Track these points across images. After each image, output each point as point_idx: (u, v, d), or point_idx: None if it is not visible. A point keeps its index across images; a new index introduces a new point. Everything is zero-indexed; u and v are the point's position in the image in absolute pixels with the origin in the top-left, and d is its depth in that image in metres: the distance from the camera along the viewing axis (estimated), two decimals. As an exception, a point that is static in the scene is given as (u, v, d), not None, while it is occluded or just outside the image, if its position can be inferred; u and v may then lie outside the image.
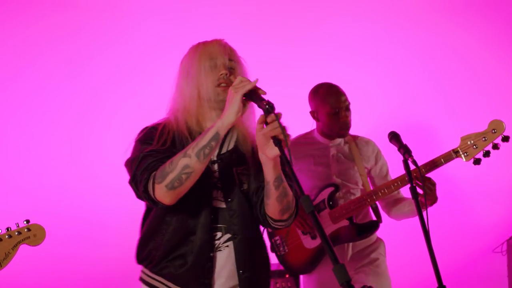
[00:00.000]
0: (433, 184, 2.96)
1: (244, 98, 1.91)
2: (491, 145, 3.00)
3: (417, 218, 2.50)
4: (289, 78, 4.17)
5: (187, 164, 1.94)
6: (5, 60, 3.86)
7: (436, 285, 2.38)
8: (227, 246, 2.12)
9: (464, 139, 3.04)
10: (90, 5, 4.02)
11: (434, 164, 3.04)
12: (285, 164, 1.83)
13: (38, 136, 3.90)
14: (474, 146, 3.00)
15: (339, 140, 3.33)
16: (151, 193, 1.99)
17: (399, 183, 3.11)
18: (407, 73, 4.47)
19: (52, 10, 3.93)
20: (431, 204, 2.95)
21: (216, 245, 2.11)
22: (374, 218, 3.29)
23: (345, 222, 3.19)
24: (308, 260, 3.22)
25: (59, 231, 3.82)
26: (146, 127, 2.19)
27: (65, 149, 3.94)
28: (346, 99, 3.25)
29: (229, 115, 1.92)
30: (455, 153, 3.04)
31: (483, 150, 3.00)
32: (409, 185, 2.63)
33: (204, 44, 2.16)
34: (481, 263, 4.46)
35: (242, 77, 1.95)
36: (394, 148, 2.81)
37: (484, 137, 2.99)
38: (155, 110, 3.90)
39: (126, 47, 4.04)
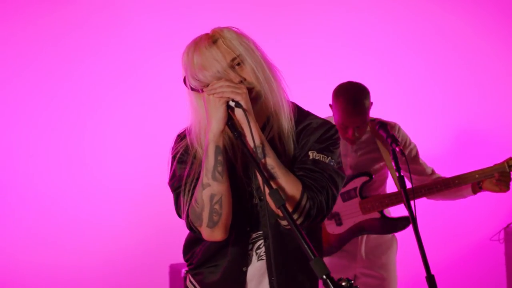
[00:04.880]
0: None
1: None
2: None
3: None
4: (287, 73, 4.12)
5: (212, 194, 1.79)
6: (5, 57, 3.83)
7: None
8: None
9: None
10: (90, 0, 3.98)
11: (484, 174, 3.02)
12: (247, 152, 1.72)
13: (37, 134, 3.87)
14: None
15: None
16: (200, 236, 1.87)
17: (438, 186, 3.06)
18: (405, 65, 4.43)
19: (51, 7, 3.89)
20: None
21: (252, 255, 1.95)
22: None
23: (376, 214, 3.14)
24: (327, 245, 3.16)
25: (57, 228, 3.84)
26: (184, 131, 1.96)
27: (65, 145, 3.91)
28: (363, 116, 3.02)
29: (217, 124, 1.77)
30: (509, 167, 3.01)
31: None
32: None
33: (188, 57, 1.82)
34: (478, 251, 4.45)
35: (222, 82, 1.77)
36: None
37: None
38: (156, 107, 3.94)
39: (126, 43, 4.01)
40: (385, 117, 3.24)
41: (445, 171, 3.26)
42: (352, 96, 3.02)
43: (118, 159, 3.98)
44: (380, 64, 4.36)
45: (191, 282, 2.06)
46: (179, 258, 3.48)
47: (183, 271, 3.40)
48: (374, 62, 4.34)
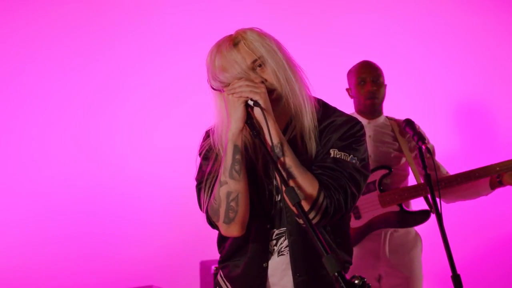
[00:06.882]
0: None
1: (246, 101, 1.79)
2: None
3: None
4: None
5: (228, 191, 1.85)
6: (6, 55, 3.89)
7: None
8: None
9: None
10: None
11: (505, 166, 3.00)
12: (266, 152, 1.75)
13: (43, 132, 3.93)
14: None
15: (380, 121, 3.25)
16: (219, 231, 1.95)
17: (459, 179, 3.04)
18: (415, 66, 4.39)
19: (63, 2, 3.96)
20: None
21: (274, 251, 1.97)
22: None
23: (395, 208, 3.14)
24: None
25: (62, 230, 3.91)
26: (209, 130, 2.02)
27: (71, 144, 3.97)
28: (376, 72, 3.20)
29: (236, 123, 1.81)
30: None
31: None
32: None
33: (211, 59, 1.87)
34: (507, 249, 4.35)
35: (242, 82, 1.80)
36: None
37: None
38: (170, 106, 3.96)
39: (140, 39, 4.06)
40: (403, 115, 3.23)
41: (475, 161, 3.24)
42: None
43: (152, 159, 4.03)
44: (390, 62, 4.32)
45: (220, 276, 2.12)
46: (210, 255, 3.55)
47: (213, 267, 3.44)
48: (382, 60, 4.31)
